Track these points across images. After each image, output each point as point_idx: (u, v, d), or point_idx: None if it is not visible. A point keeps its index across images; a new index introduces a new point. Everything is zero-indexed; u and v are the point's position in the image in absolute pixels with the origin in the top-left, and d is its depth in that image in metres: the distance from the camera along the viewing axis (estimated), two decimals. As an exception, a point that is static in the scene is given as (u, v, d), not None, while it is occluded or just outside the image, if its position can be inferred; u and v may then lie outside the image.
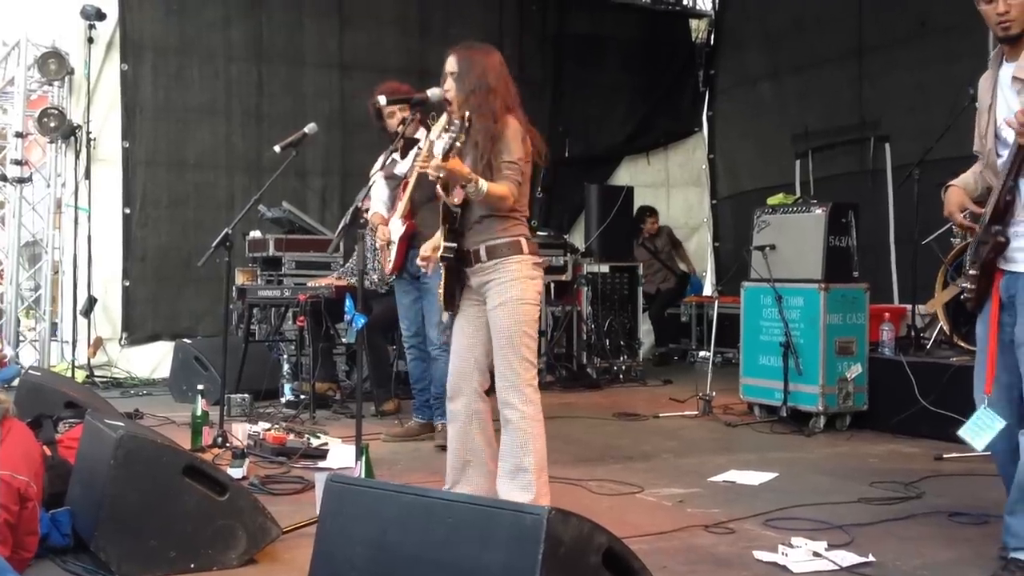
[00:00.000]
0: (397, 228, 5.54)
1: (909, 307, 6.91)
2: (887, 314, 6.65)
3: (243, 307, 7.64)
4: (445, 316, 4.18)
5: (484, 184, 3.66)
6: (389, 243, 5.64)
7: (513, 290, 3.77)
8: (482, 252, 3.80)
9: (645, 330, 9.94)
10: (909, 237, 6.98)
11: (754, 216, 6.79)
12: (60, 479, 3.63)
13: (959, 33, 8.15)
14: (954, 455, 5.34)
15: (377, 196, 5.95)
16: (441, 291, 3.92)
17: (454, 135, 3.57)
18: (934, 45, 8.43)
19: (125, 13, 8.83)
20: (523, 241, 3.83)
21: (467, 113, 3.63)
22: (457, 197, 3.78)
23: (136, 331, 8.90)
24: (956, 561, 3.57)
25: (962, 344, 6.16)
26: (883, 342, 6.46)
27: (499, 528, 2.46)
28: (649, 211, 10.48)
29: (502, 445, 3.82)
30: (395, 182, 5.77)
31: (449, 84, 3.86)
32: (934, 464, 5.22)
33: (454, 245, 3.82)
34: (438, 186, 3.83)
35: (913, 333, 6.70)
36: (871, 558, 3.49)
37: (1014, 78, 3.31)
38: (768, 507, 4.22)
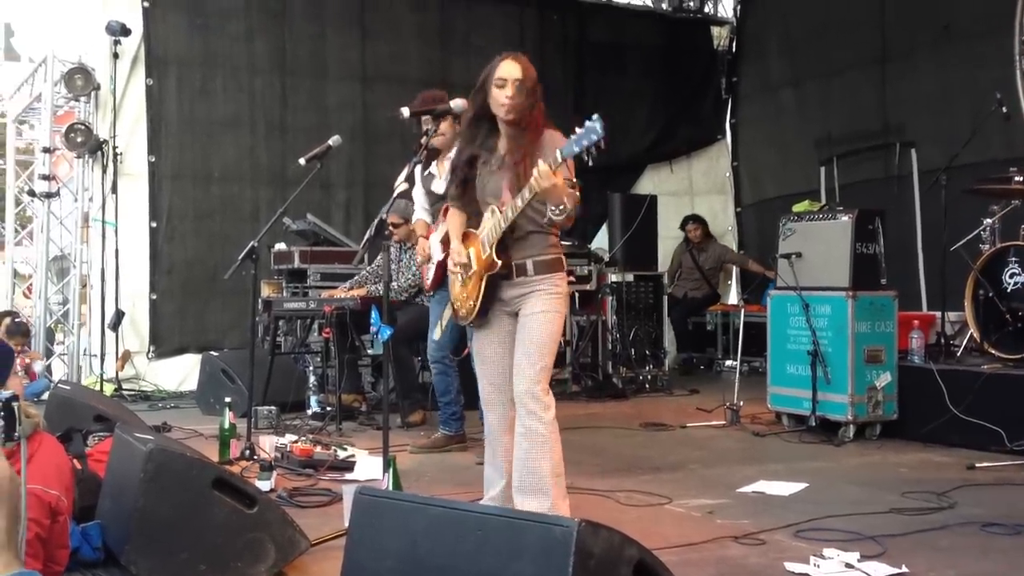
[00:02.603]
0: (437, 249, 5.56)
1: (938, 314, 6.85)
2: (916, 321, 6.58)
3: (269, 319, 7.66)
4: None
5: (570, 206, 3.64)
6: (429, 259, 5.71)
7: (555, 302, 3.81)
8: (529, 266, 3.80)
9: (671, 339, 9.90)
10: (937, 243, 6.92)
11: (780, 223, 6.74)
12: (90, 492, 3.65)
13: (984, 38, 8.11)
14: (986, 464, 5.28)
15: (420, 204, 6.02)
16: (476, 304, 3.88)
17: (592, 141, 3.44)
18: (959, 50, 8.37)
19: (150, 28, 8.92)
20: (563, 259, 3.91)
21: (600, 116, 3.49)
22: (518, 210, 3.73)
23: (163, 344, 8.96)
24: (990, 573, 3.53)
25: (993, 351, 6.09)
26: (912, 350, 6.38)
27: (529, 540, 2.45)
28: (691, 219, 10.54)
29: (520, 452, 3.80)
30: (433, 198, 5.82)
31: (512, 91, 3.74)
32: (966, 473, 5.16)
33: (501, 260, 3.80)
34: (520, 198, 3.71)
35: (943, 340, 6.64)
36: (904, 569, 3.45)
37: None
38: (798, 518, 4.17)
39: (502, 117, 3.79)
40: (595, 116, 3.43)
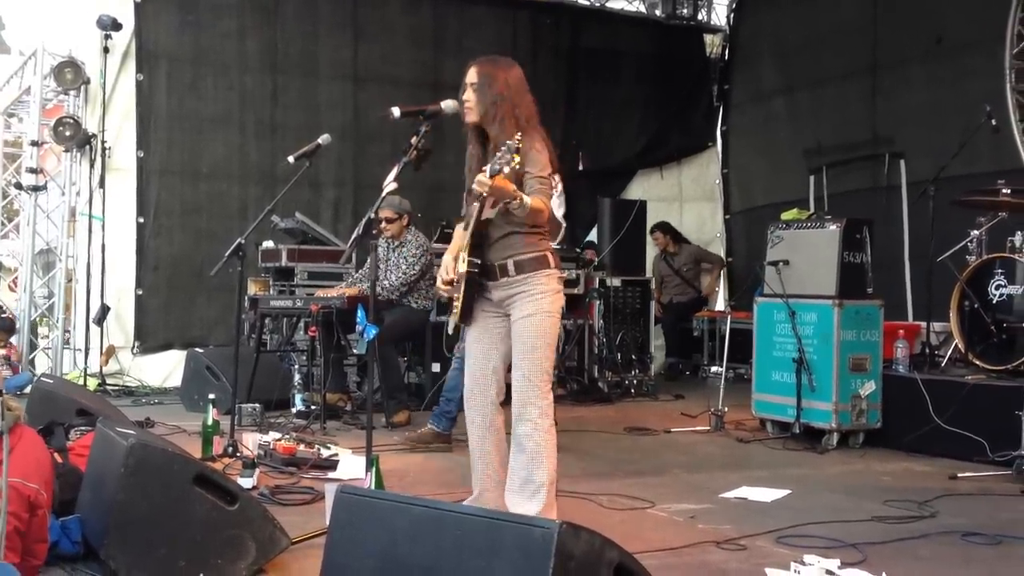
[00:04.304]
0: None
1: (924, 324, 6.87)
2: (901, 331, 6.61)
3: (255, 317, 7.63)
4: (451, 328, 4.16)
5: (527, 200, 3.63)
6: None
7: (542, 302, 3.79)
8: (510, 266, 3.80)
9: (657, 344, 9.90)
10: (924, 254, 6.94)
11: (768, 231, 6.76)
12: (71, 486, 3.64)
13: (975, 50, 8.15)
14: (969, 474, 5.30)
15: None
16: (458, 304, 3.89)
17: (506, 159, 3.50)
18: (950, 62, 8.41)
19: (141, 23, 8.88)
20: (549, 256, 3.86)
21: (519, 135, 3.57)
22: (489, 212, 3.76)
23: (148, 340, 8.92)
24: (970, 581, 3.54)
25: (977, 362, 6.11)
26: (897, 359, 6.41)
27: (509, 542, 2.45)
28: (655, 228, 10.42)
29: (513, 457, 3.81)
30: None
31: (469, 95, 3.82)
32: (948, 483, 5.17)
33: (478, 260, 3.81)
34: (480, 203, 3.76)
35: (927, 350, 6.67)
36: (884, 577, 3.46)
37: None
38: (780, 524, 4.18)
39: (468, 121, 3.83)
40: (516, 137, 3.55)
